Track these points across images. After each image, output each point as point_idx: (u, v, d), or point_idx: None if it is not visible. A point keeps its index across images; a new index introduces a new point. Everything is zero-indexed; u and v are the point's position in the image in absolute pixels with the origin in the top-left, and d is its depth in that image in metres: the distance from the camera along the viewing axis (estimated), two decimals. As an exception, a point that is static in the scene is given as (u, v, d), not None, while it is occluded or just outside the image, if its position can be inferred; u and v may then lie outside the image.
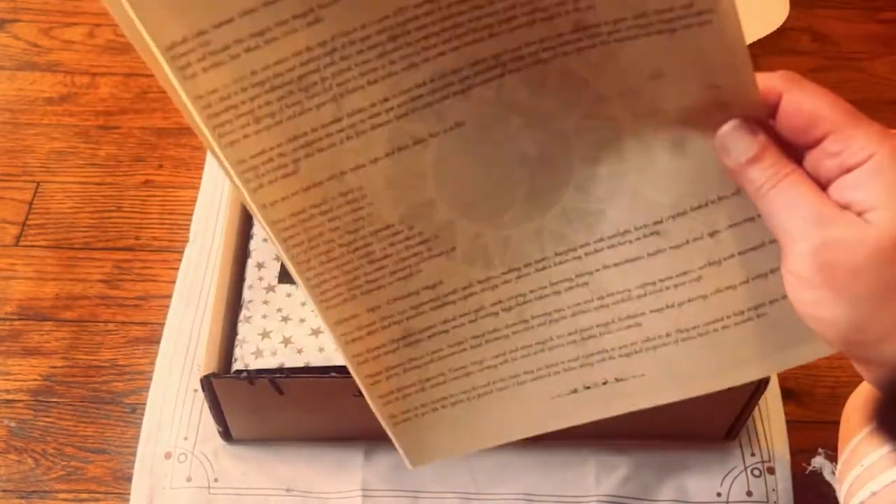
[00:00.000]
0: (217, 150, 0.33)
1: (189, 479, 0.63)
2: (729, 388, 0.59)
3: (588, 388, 0.39)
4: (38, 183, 0.80)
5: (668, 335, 0.37)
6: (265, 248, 0.63)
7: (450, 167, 0.35)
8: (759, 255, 0.36)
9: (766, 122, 0.33)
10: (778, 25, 0.93)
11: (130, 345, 0.70)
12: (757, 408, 0.66)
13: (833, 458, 0.52)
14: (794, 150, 0.33)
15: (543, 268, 0.37)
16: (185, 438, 0.65)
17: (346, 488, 0.63)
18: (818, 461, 0.57)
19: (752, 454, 0.65)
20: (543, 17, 0.31)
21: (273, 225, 0.35)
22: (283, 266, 0.62)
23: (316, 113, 0.33)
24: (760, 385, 0.58)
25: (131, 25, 0.30)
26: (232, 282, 0.61)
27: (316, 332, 0.59)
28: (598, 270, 0.36)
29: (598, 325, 0.38)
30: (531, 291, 0.37)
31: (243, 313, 0.60)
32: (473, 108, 0.33)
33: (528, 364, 0.39)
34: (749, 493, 0.63)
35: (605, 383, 0.39)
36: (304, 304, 0.60)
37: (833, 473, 0.52)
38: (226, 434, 0.64)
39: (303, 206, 0.35)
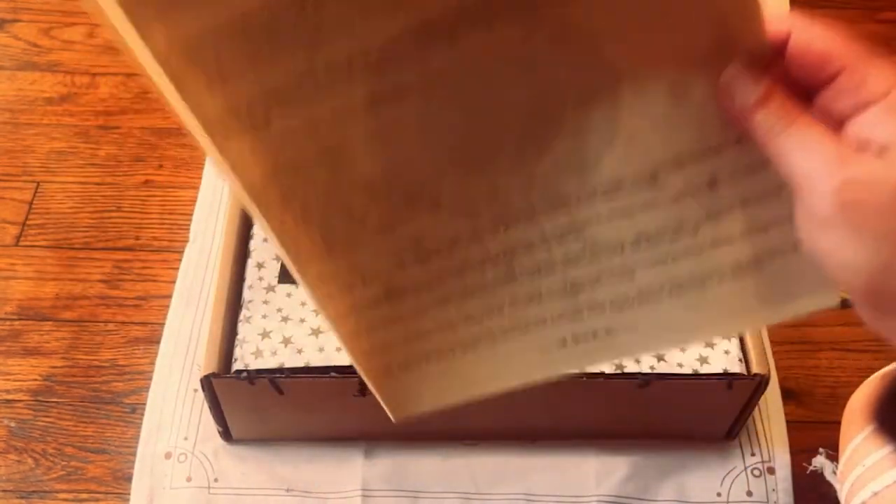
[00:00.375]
0: (183, 108, 0.30)
1: (189, 479, 0.63)
2: (729, 388, 0.59)
3: (577, 341, 0.37)
4: (38, 183, 0.80)
5: (661, 288, 0.35)
6: (265, 248, 0.63)
7: (435, 114, 0.33)
8: (759, 207, 0.34)
9: (772, 65, 0.31)
10: (778, 25, 0.93)
11: (130, 345, 0.70)
12: (757, 408, 0.66)
13: (833, 457, 0.53)
14: (802, 95, 0.31)
15: (533, 220, 0.35)
16: (185, 438, 0.65)
17: (346, 488, 0.63)
18: (819, 461, 0.57)
19: (752, 454, 0.65)
20: None
21: (244, 182, 0.32)
22: (283, 266, 0.62)
23: (291, 62, 0.31)
24: (761, 385, 0.58)
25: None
26: (232, 282, 0.61)
27: (316, 332, 0.59)
28: (590, 223, 0.35)
29: (589, 278, 0.36)
30: (520, 244, 0.36)
31: (243, 313, 0.60)
32: (460, 52, 0.31)
33: (517, 317, 0.37)
34: (749, 493, 0.63)
35: (595, 336, 0.37)
36: (304, 304, 0.60)
37: (834, 473, 0.52)
38: (226, 434, 0.64)
39: (276, 161, 0.33)
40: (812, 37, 0.30)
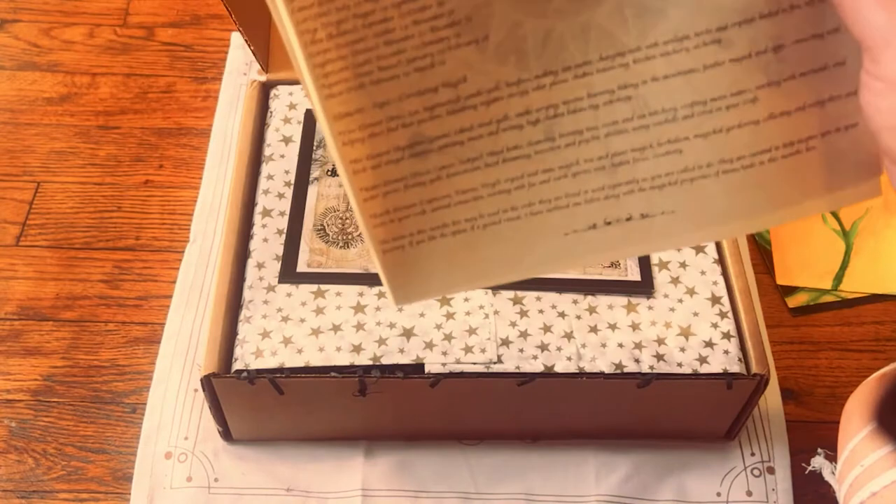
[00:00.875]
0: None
1: (189, 479, 0.63)
2: (729, 388, 0.59)
3: (609, 223, 0.35)
4: (39, 183, 0.80)
5: (709, 165, 0.33)
6: (265, 248, 0.63)
7: None
8: (821, 78, 0.32)
9: None
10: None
11: (130, 345, 0.71)
12: (757, 408, 0.66)
13: (832, 458, 0.52)
14: None
15: (584, 74, 0.32)
16: (186, 438, 0.65)
17: (346, 488, 0.63)
18: (818, 461, 0.57)
19: (752, 454, 0.65)
20: None
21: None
22: (283, 266, 0.62)
23: None
24: (760, 385, 0.58)
25: None
26: (232, 282, 0.61)
27: (316, 332, 0.59)
28: (644, 83, 0.32)
29: (633, 150, 0.33)
30: (564, 103, 0.33)
31: (243, 313, 0.60)
32: None
33: (547, 191, 0.34)
34: (749, 493, 0.63)
35: (629, 219, 0.34)
36: (304, 303, 0.60)
37: (833, 473, 0.52)
38: (226, 434, 0.64)
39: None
40: None
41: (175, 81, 0.88)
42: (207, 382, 0.57)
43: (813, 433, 0.66)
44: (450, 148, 0.34)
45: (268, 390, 0.58)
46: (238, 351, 0.58)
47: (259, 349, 0.58)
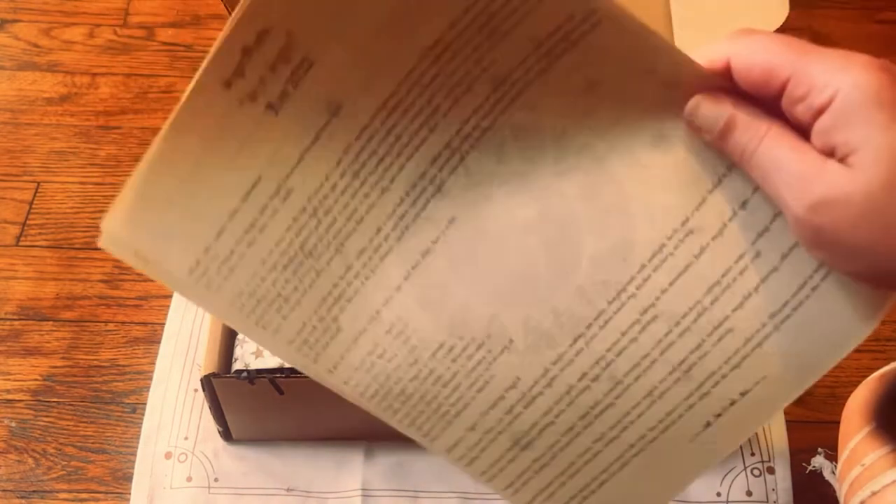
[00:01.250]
0: (266, 340, 0.36)
1: (189, 479, 0.63)
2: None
3: (719, 415, 0.36)
4: (39, 183, 0.80)
5: (763, 326, 0.34)
6: (265, 248, 0.63)
7: (466, 264, 0.35)
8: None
9: (728, 88, 0.31)
10: (778, 25, 0.93)
11: (131, 345, 0.71)
12: (757, 408, 0.66)
13: (832, 457, 0.53)
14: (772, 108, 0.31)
15: (606, 322, 0.35)
16: (186, 438, 0.65)
17: (346, 488, 0.63)
18: (818, 461, 0.57)
19: (752, 454, 0.65)
20: (463, 91, 0.32)
21: (346, 385, 0.37)
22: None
23: (329, 270, 0.35)
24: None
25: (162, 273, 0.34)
26: (232, 282, 0.61)
27: (316, 332, 0.59)
28: (658, 299, 0.34)
29: (691, 352, 0.35)
30: (608, 350, 0.36)
31: (243, 313, 0.60)
32: (455, 200, 0.34)
33: (648, 421, 0.37)
34: (749, 493, 0.63)
35: (732, 403, 0.36)
36: (304, 304, 0.60)
37: (833, 473, 0.52)
38: (226, 434, 0.64)
39: (361, 357, 0.36)
40: (751, 52, 0.30)
41: (175, 81, 0.88)
42: (207, 382, 0.57)
43: (813, 433, 0.66)
44: (546, 430, 0.37)
45: (268, 390, 0.58)
46: (238, 351, 0.58)
47: (259, 349, 0.58)
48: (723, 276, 0.34)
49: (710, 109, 0.31)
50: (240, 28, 0.30)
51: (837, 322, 0.34)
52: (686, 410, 0.36)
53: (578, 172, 0.34)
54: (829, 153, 0.29)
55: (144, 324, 0.72)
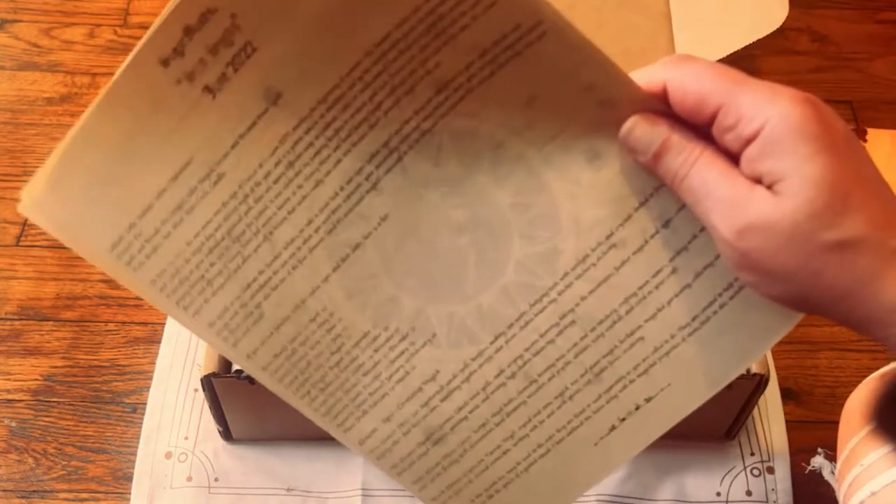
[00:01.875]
0: (186, 321, 0.36)
1: (189, 479, 0.63)
2: (728, 388, 0.59)
3: (623, 419, 0.38)
4: (39, 183, 0.80)
5: (672, 336, 0.36)
6: (265, 248, 0.63)
7: (396, 259, 0.36)
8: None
9: (664, 111, 0.32)
10: (777, 25, 0.93)
11: (131, 345, 0.71)
12: (757, 408, 0.66)
13: (832, 457, 0.53)
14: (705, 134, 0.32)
15: (526, 323, 0.37)
16: (186, 438, 0.65)
17: (346, 488, 0.63)
18: (817, 461, 0.57)
19: (752, 454, 0.65)
20: (405, 92, 0.32)
21: (263, 371, 0.38)
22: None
23: (256, 256, 0.35)
24: (760, 385, 0.58)
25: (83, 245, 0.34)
26: (232, 282, 0.61)
27: (316, 332, 0.59)
28: (578, 305, 0.36)
29: (603, 356, 0.37)
30: (526, 350, 0.37)
31: (243, 313, 0.60)
32: (389, 198, 0.34)
33: (557, 421, 0.38)
34: (749, 493, 0.63)
35: (637, 408, 0.38)
36: (304, 304, 0.60)
37: (832, 473, 0.52)
38: (226, 434, 0.64)
39: (282, 345, 0.37)
40: (685, 78, 0.31)
41: (175, 81, 0.88)
42: (207, 382, 0.58)
43: (813, 433, 0.66)
44: (459, 425, 0.38)
45: (268, 390, 0.58)
46: (238, 351, 0.58)
47: (259, 349, 0.58)
48: (640, 288, 0.36)
49: (645, 131, 0.32)
50: (183, 7, 0.29)
51: (741, 338, 0.36)
52: (594, 413, 0.38)
53: (513, 181, 0.34)
54: (757, 180, 0.30)
55: (144, 324, 0.72)
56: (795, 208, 0.29)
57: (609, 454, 0.39)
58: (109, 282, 0.74)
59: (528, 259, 0.36)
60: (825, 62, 0.92)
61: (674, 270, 0.35)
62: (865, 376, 0.52)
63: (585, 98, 0.32)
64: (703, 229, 0.34)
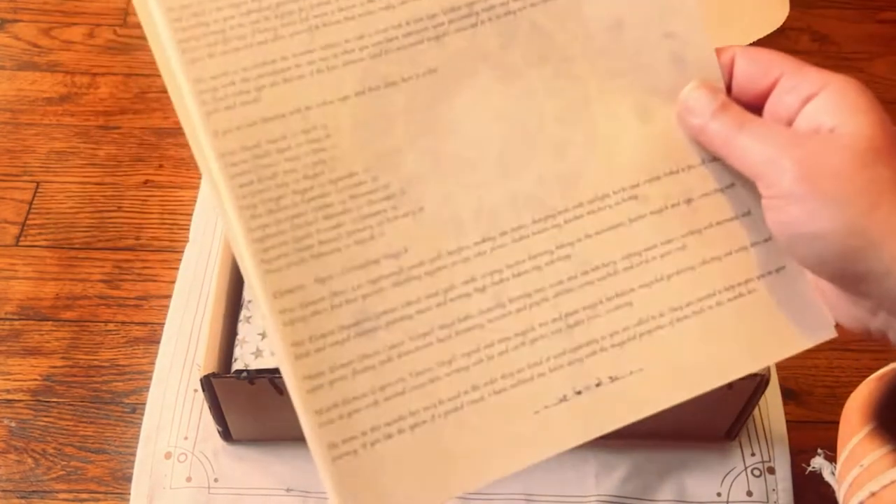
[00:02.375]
0: (177, 65, 0.32)
1: (189, 479, 0.63)
2: (729, 388, 0.59)
3: (579, 392, 0.34)
4: (38, 183, 0.80)
5: (661, 315, 0.35)
6: (265, 248, 0.63)
7: (421, 115, 0.34)
8: (736, 227, 0.36)
9: (724, 89, 0.35)
10: (778, 25, 0.93)
11: (130, 345, 0.71)
12: (757, 408, 0.66)
13: (832, 458, 0.52)
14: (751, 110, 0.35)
15: (521, 237, 0.34)
16: (185, 438, 0.65)
17: (346, 488, 0.63)
18: (818, 461, 0.57)
19: (752, 454, 0.65)
20: None
21: (222, 157, 0.32)
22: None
23: (288, 41, 0.33)
24: (760, 385, 0.58)
25: None
26: (232, 282, 0.61)
27: (316, 332, 0.59)
28: (579, 240, 0.34)
29: (584, 308, 0.34)
30: (508, 267, 0.34)
31: (243, 313, 0.60)
32: (446, 55, 0.34)
33: (507, 364, 0.33)
34: (749, 493, 0.63)
35: (598, 385, 0.34)
36: (303, 304, 0.60)
37: (833, 474, 0.52)
38: (226, 434, 0.64)
39: (258, 140, 0.32)
40: (754, 51, 0.35)
41: (175, 81, 0.88)
42: (207, 382, 0.57)
43: (813, 433, 0.66)
44: (398, 323, 0.33)
45: (268, 390, 0.58)
46: (238, 351, 0.58)
47: (259, 349, 0.58)
48: (645, 249, 0.35)
49: (707, 93, 0.34)
50: None
51: (727, 348, 0.35)
52: (549, 371, 0.34)
53: (565, 97, 0.35)
54: (814, 132, 0.32)
55: (144, 324, 0.72)
56: (856, 140, 0.31)
57: (544, 433, 0.33)
58: (109, 282, 0.74)
59: (549, 174, 0.35)
60: (825, 62, 0.92)
61: (683, 247, 0.35)
62: (865, 376, 0.52)
63: (662, 45, 0.33)
64: (719, 223, 0.35)
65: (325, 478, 0.32)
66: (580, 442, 0.34)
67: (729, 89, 0.35)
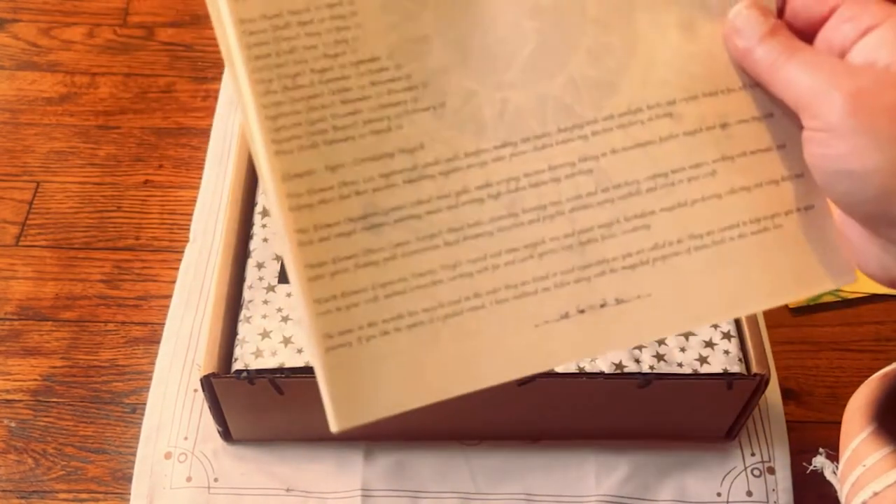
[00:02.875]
0: None
1: (189, 479, 0.63)
2: (729, 388, 0.59)
3: (582, 311, 0.33)
4: (38, 183, 0.80)
5: (679, 241, 0.33)
6: (265, 248, 0.63)
7: (453, 2, 0.32)
8: (769, 158, 0.34)
9: (775, 12, 0.33)
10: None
11: (130, 345, 0.70)
12: (757, 408, 0.66)
13: (833, 457, 0.52)
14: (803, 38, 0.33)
15: (543, 146, 0.32)
16: (185, 438, 0.65)
17: (346, 488, 0.63)
18: (819, 461, 0.57)
19: (752, 454, 0.65)
20: None
21: (241, 24, 0.30)
22: (282, 266, 0.62)
23: None
24: (761, 385, 0.58)
25: None
26: (232, 282, 0.61)
27: (316, 332, 0.59)
28: (604, 155, 0.33)
29: (600, 226, 0.33)
30: (526, 175, 0.32)
31: (243, 313, 0.60)
32: None
33: (513, 275, 0.32)
34: (749, 493, 0.63)
35: (603, 305, 0.33)
36: (304, 303, 0.60)
37: (834, 473, 0.52)
38: (226, 434, 0.64)
39: (280, 9, 0.31)
40: None
41: (175, 81, 0.88)
42: (207, 382, 0.57)
43: (813, 433, 0.66)
44: (406, 221, 0.32)
45: (268, 390, 0.58)
46: (238, 351, 0.58)
47: (259, 349, 0.58)
48: (673, 171, 0.33)
49: (757, 14, 0.33)
50: None
51: (742, 281, 0.34)
52: (555, 286, 0.32)
53: (610, 1, 0.33)
54: (869, 66, 0.31)
55: (144, 324, 0.72)
56: None
57: (541, 347, 0.32)
58: (109, 282, 0.74)
59: (582, 79, 0.33)
60: None
61: (712, 173, 0.33)
62: (866, 377, 0.52)
63: None
64: (753, 152, 0.34)
65: (318, 368, 0.32)
66: (575, 360, 0.34)
67: (781, 12, 0.33)
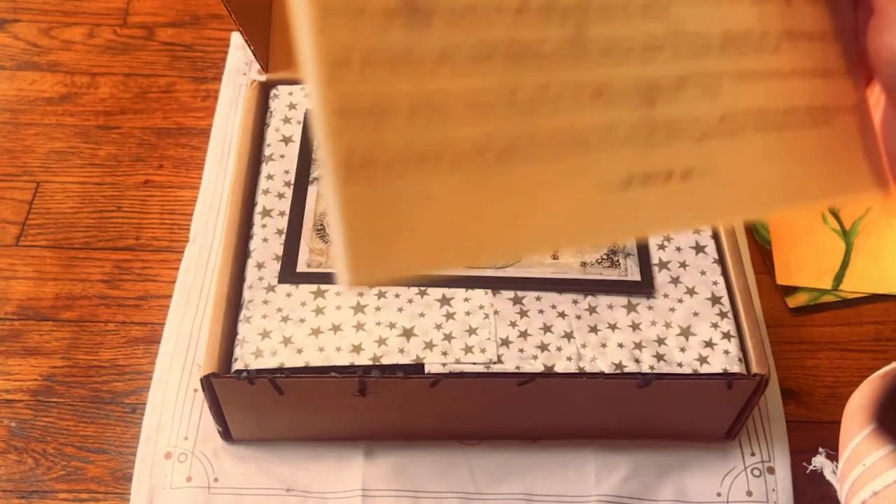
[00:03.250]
0: None
1: (189, 479, 0.63)
2: (729, 388, 0.59)
3: (646, 182, 0.28)
4: (38, 183, 0.80)
5: (746, 115, 0.30)
6: (265, 248, 0.63)
7: None
8: (827, 45, 0.32)
9: None
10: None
11: (130, 345, 0.70)
12: (757, 408, 0.66)
13: (833, 457, 0.53)
14: None
15: None
16: (185, 438, 0.65)
17: (346, 488, 0.63)
18: (819, 460, 0.57)
19: (752, 454, 0.65)
20: None
21: None
22: (282, 266, 0.62)
23: None
24: (761, 385, 0.58)
25: None
26: (232, 282, 0.61)
27: (316, 332, 0.59)
28: (676, 1, 0.28)
29: (671, 77, 0.28)
30: (596, 2, 0.26)
31: (243, 313, 0.60)
32: None
33: (578, 116, 0.26)
34: (749, 493, 0.63)
35: (668, 178, 0.28)
36: (303, 304, 0.60)
37: (834, 473, 0.52)
38: (226, 434, 0.64)
39: None
40: None
41: (175, 81, 0.88)
42: (207, 382, 0.57)
43: (813, 433, 0.66)
44: (460, 20, 0.24)
45: (268, 390, 0.58)
46: (238, 351, 0.58)
47: (259, 349, 0.58)
48: (743, 33, 0.30)
49: None
50: None
51: (800, 175, 0.31)
52: (625, 138, 0.27)
53: None
54: None
55: (144, 324, 0.72)
56: None
57: (601, 216, 0.27)
58: (109, 282, 0.74)
59: None
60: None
61: (776, 48, 0.30)
62: (866, 376, 0.52)
63: None
64: (811, 37, 0.32)
65: (333, 204, 0.24)
66: (629, 238, 0.28)
67: None
